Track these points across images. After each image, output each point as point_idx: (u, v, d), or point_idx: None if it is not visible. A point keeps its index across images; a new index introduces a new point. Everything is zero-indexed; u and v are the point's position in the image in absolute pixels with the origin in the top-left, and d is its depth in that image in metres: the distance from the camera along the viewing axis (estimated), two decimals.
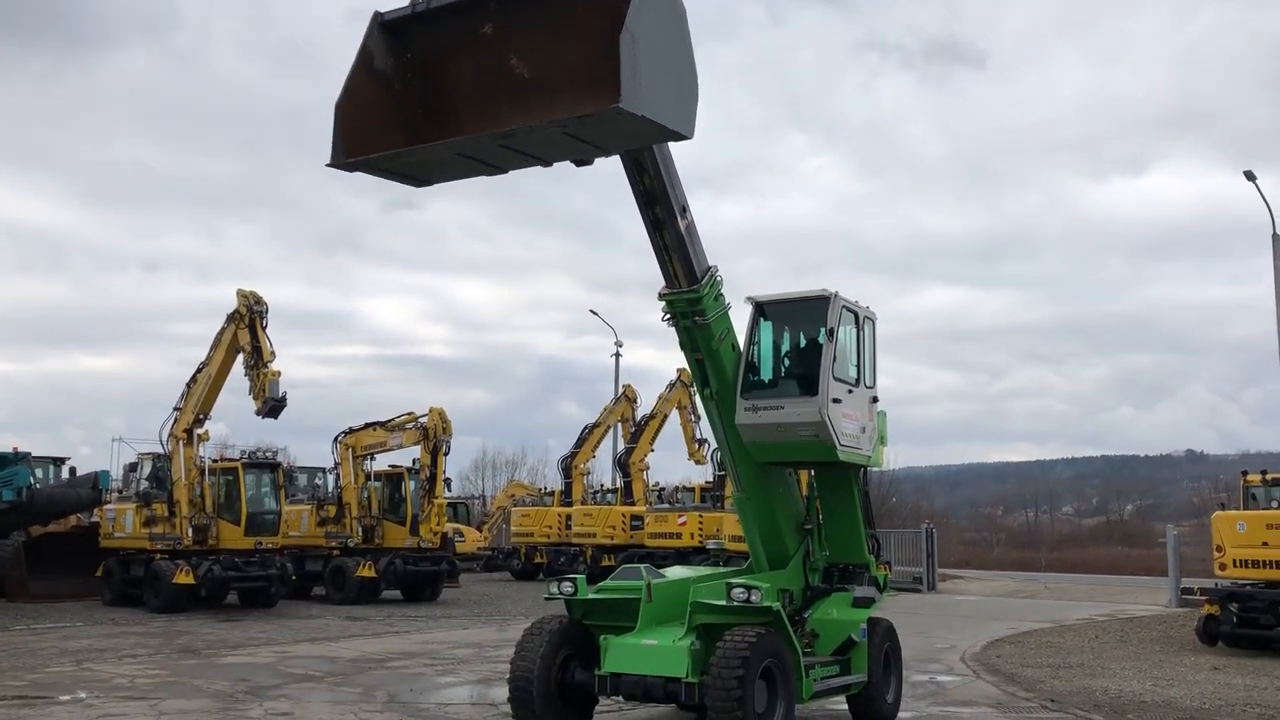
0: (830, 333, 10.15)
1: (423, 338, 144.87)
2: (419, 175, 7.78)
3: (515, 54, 7.55)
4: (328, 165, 7.21)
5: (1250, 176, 27.63)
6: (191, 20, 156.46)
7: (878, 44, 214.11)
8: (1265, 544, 17.18)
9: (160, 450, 24.01)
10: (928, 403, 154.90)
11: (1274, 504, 18.51)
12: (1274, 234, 28.05)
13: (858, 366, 10.80)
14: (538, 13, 7.29)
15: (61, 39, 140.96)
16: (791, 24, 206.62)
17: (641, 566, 10.42)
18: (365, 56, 7.30)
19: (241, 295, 22.65)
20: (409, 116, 7.54)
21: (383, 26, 7.45)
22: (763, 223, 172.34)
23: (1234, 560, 17.64)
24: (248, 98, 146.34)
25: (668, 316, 9.85)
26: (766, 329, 10.70)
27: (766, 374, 10.56)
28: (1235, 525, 17.78)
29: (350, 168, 7.32)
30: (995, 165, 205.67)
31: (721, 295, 9.91)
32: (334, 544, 27.07)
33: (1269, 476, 20.16)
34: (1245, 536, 17.50)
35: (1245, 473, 21.11)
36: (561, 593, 9.86)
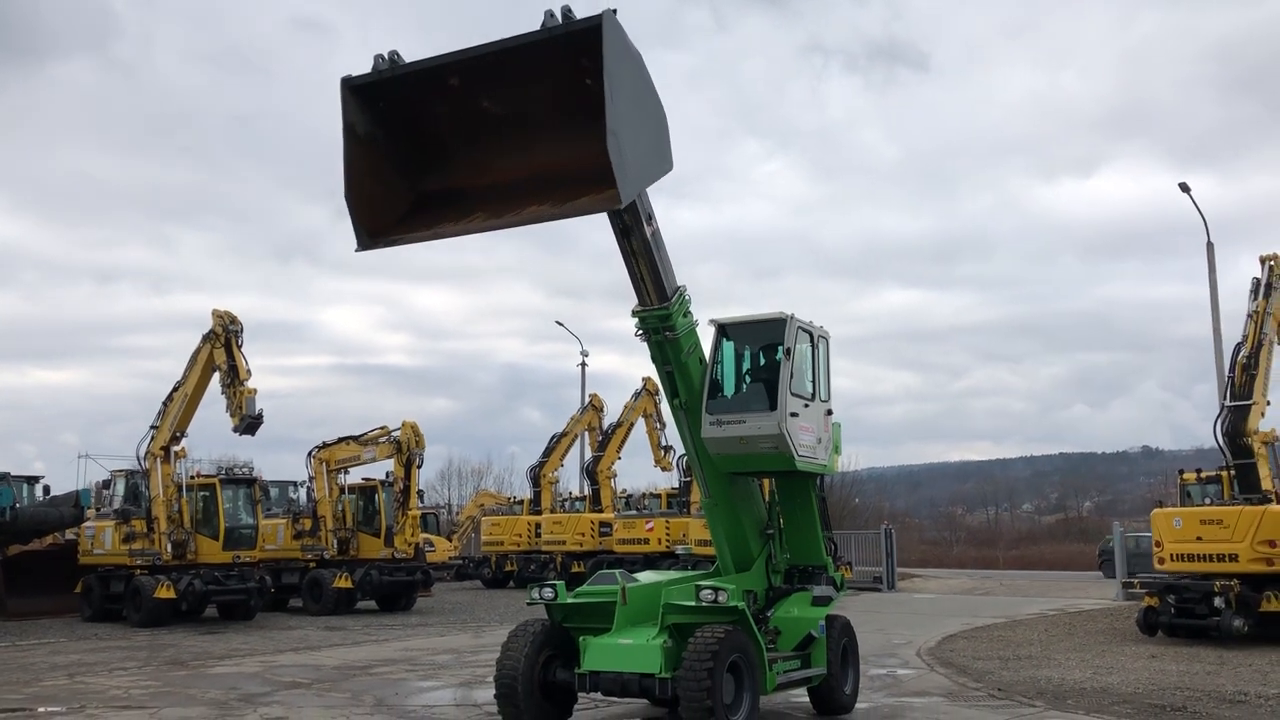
0: (788, 352, 10.98)
1: (382, 346, 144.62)
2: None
3: (485, 99, 8.27)
4: (356, 251, 7.92)
5: (1185, 188, 28.75)
6: (132, 28, 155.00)
7: (821, 47, 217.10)
8: (1199, 539, 18.21)
9: (135, 467, 24.44)
10: (888, 403, 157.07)
11: (1208, 500, 19.55)
12: (1208, 241, 29.31)
13: (813, 382, 11.62)
14: (498, 70, 7.88)
15: None
16: (736, 29, 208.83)
17: (616, 572, 11.20)
18: (349, 131, 7.83)
19: (217, 315, 23.21)
20: (406, 171, 8.22)
21: (353, 91, 7.98)
22: (720, 228, 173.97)
23: (1171, 554, 18.68)
24: (194, 106, 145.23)
25: (640, 332, 10.66)
26: (728, 348, 11.51)
27: (729, 390, 11.36)
28: (1172, 522, 18.82)
29: (378, 246, 8.07)
30: (947, 167, 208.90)
31: (690, 312, 10.74)
32: (310, 556, 27.58)
33: (1203, 475, 21.26)
34: (1181, 532, 18.53)
35: (1181, 471, 22.23)
36: (543, 598, 10.62)
